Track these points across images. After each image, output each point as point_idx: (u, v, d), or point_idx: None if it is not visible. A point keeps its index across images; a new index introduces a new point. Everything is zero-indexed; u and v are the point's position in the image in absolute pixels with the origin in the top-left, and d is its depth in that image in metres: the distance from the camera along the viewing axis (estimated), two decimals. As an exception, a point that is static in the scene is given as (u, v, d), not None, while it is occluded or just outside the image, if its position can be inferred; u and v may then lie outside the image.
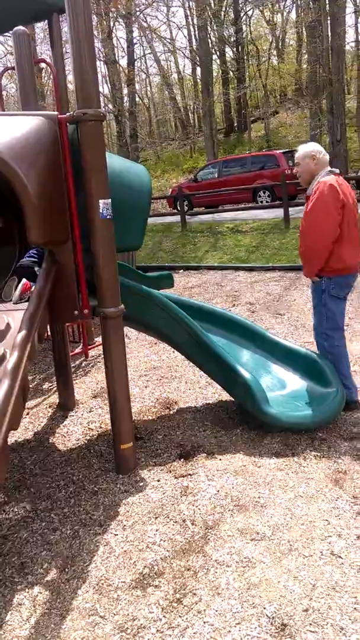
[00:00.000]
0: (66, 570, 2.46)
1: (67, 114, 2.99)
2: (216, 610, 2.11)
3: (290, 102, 28.47)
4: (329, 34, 16.82)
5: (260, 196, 15.56)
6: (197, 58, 24.94)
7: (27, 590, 2.36)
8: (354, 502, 2.71)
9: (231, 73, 28.59)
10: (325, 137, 19.88)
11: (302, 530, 2.53)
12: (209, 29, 24.39)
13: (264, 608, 2.09)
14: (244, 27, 28.41)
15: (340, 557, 2.33)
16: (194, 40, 28.49)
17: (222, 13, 26.38)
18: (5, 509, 3.02)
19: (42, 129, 2.90)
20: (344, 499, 2.75)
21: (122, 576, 2.37)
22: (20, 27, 3.95)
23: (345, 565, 2.28)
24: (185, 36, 42.91)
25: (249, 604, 2.12)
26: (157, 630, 2.05)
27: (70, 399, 4.39)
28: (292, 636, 1.96)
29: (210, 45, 24.93)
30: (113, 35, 24.09)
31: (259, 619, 2.04)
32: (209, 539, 2.53)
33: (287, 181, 12.21)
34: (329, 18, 16.84)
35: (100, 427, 3.96)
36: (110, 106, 24.81)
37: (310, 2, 18.28)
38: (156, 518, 2.74)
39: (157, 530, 2.64)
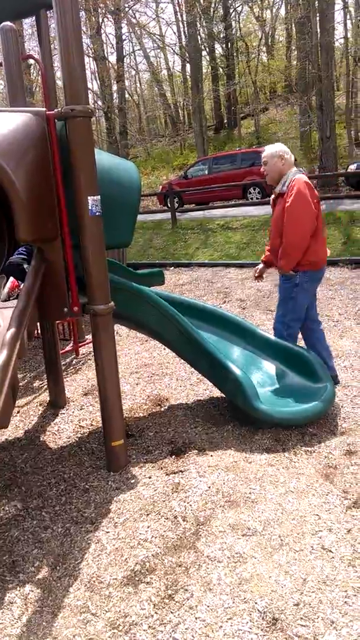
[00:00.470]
0: (58, 568, 2.46)
1: (56, 110, 2.97)
2: (208, 606, 2.12)
3: (280, 99, 28.53)
4: (318, 30, 16.84)
5: (250, 193, 15.58)
6: (187, 54, 24.90)
7: (18, 588, 2.36)
8: (345, 497, 2.73)
9: (221, 69, 28.57)
10: (314, 134, 19.94)
11: (293, 525, 2.54)
12: (199, 25, 24.35)
13: (255, 603, 2.10)
14: (233, 23, 28.41)
15: (330, 551, 2.35)
16: (183, 36, 28.47)
17: (212, 9, 26.33)
18: (-4, 508, 3.01)
19: (30, 126, 2.88)
20: (334, 493, 2.77)
21: (114, 573, 2.37)
22: (8, 23, 3.92)
23: (336, 559, 2.30)
24: (174, 32, 42.88)
25: (241, 599, 2.13)
26: (149, 627, 2.06)
27: (61, 397, 4.38)
28: (284, 630, 1.97)
29: (199, 41, 24.89)
30: (102, 31, 23.99)
31: (250, 614, 2.05)
32: (200, 535, 2.53)
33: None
34: (318, 14, 16.86)
35: (91, 425, 3.95)
36: (100, 103, 24.74)
37: (299, -1, 18.30)
38: (147, 515, 2.74)
39: (148, 527, 2.64)
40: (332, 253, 9.55)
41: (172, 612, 2.11)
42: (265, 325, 5.91)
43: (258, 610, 2.07)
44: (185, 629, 2.02)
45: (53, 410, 4.30)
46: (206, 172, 17.17)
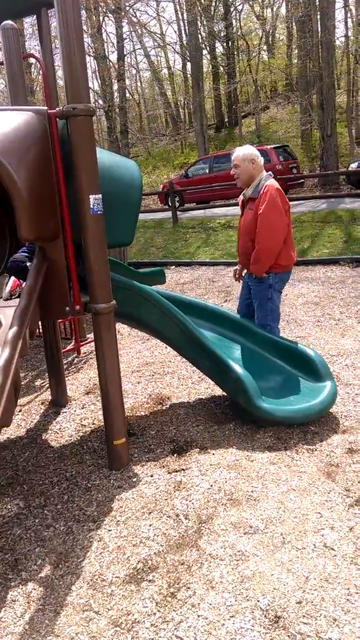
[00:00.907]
0: (60, 566, 2.46)
1: (57, 109, 2.97)
2: (210, 604, 2.12)
3: (280, 97, 28.45)
4: (319, 28, 16.83)
5: (251, 192, 15.54)
6: (187, 53, 24.87)
7: (20, 586, 2.36)
8: (347, 495, 2.73)
9: (221, 68, 28.52)
10: (315, 132, 19.91)
11: (295, 523, 2.54)
12: (199, 24, 24.32)
13: (258, 601, 2.10)
14: (234, 22, 28.35)
15: (332, 549, 2.35)
16: (184, 35, 28.42)
17: (212, 8, 26.29)
18: (-2, 506, 3.01)
19: (31, 124, 2.88)
20: (336, 491, 2.77)
21: (116, 571, 2.37)
22: (9, 22, 3.92)
23: (338, 557, 2.30)
24: (175, 31, 42.85)
25: (243, 597, 2.13)
26: (152, 625, 2.06)
27: (63, 396, 4.38)
28: (286, 628, 1.97)
29: (200, 40, 24.85)
30: (103, 30, 23.97)
31: (252, 612, 2.05)
32: (202, 533, 2.54)
33: (279, 176, 12.21)
34: (318, 13, 16.84)
35: (93, 424, 3.96)
36: (100, 102, 24.71)
37: (300, -3, 18.26)
38: (150, 513, 2.74)
39: (150, 525, 2.64)
40: (333, 252, 9.57)
41: (174, 610, 2.11)
42: (266, 324, 5.91)
43: (260, 608, 2.07)
44: (188, 626, 2.03)
45: (55, 409, 4.30)
46: (207, 171, 17.16)
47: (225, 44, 28.23)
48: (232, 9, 27.75)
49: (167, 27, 41.57)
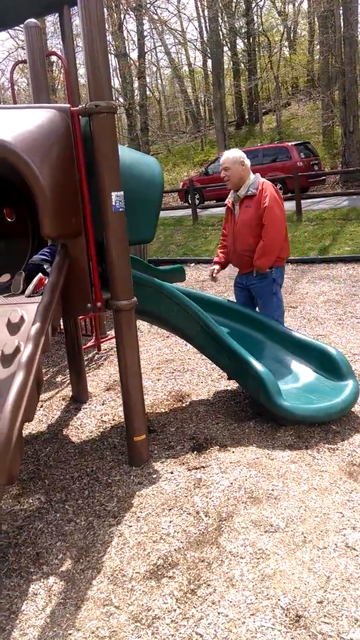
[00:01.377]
0: (81, 560, 2.48)
1: (80, 106, 2.98)
2: (230, 602, 2.12)
3: (302, 94, 28.23)
4: (342, 23, 16.62)
5: (272, 189, 15.44)
6: (208, 50, 24.78)
7: (42, 580, 2.39)
8: (369, 495, 2.70)
9: (242, 65, 28.38)
10: (337, 129, 19.69)
11: (316, 523, 2.52)
12: (220, 20, 24.21)
13: (279, 599, 2.09)
14: (255, 18, 28.17)
15: (354, 549, 2.33)
16: (205, 32, 28.32)
17: (233, 4, 26.15)
18: (20, 500, 3.05)
19: (54, 122, 2.90)
20: (358, 491, 2.74)
21: (137, 567, 2.38)
22: (32, 20, 3.94)
23: (360, 557, 2.28)
24: (196, 28, 42.72)
25: (263, 596, 2.12)
26: (172, 621, 2.06)
27: (84, 392, 4.41)
28: (307, 627, 1.96)
29: (221, 37, 24.74)
30: (124, 27, 24.01)
31: (273, 610, 2.05)
32: (222, 530, 2.53)
33: (300, 173, 12.12)
34: (341, 8, 16.63)
35: (113, 420, 3.98)
36: (121, 99, 24.75)
37: (323, -8, 18.06)
38: (170, 510, 2.75)
39: (170, 522, 2.65)
40: (355, 249, 9.46)
41: (194, 607, 2.11)
42: (286, 322, 5.86)
43: (281, 607, 2.06)
44: (208, 624, 2.03)
45: (75, 404, 4.33)
46: (227, 168, 17.06)
47: (246, 41, 28.07)
48: (253, 5, 27.58)
49: (188, 24, 41.51)
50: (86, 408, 4.25)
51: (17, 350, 2.45)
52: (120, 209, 3.01)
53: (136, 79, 25.37)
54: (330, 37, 17.87)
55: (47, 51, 6.15)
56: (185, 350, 5.31)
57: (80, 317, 5.00)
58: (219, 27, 24.14)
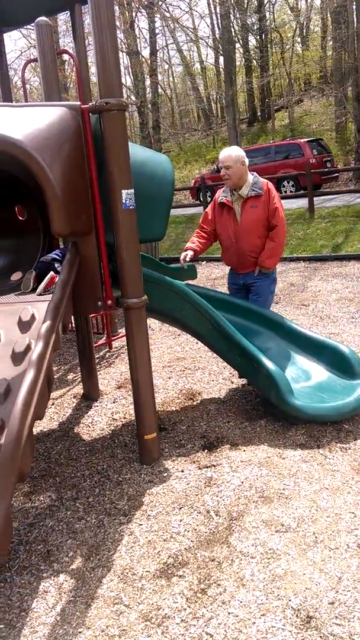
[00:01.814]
0: (91, 558, 2.48)
1: (90, 103, 2.98)
2: (241, 601, 2.10)
3: (314, 90, 28.01)
4: (355, 19, 16.45)
5: (284, 186, 15.38)
6: (220, 47, 24.67)
7: (52, 577, 2.39)
8: (381, 495, 2.67)
9: (254, 62, 28.23)
10: (350, 125, 19.52)
11: (327, 523, 2.50)
12: (232, 17, 24.07)
13: (289, 600, 2.08)
14: (267, 14, 28.00)
15: (366, 550, 2.30)
16: (216, 29, 28.21)
17: (246, 1, 26.01)
18: (31, 498, 3.06)
19: (65, 120, 2.89)
20: (370, 491, 2.71)
21: (147, 565, 2.38)
22: (43, 18, 3.94)
23: (372, 558, 2.25)
24: (208, 25, 42.58)
25: (274, 596, 2.11)
26: (182, 620, 2.06)
27: (95, 390, 4.42)
28: (318, 629, 1.94)
29: (233, 33, 24.60)
30: (135, 25, 23.99)
31: (284, 611, 2.03)
32: (233, 530, 2.52)
33: (312, 170, 12.03)
34: (354, 3, 16.45)
35: (124, 418, 3.98)
36: (133, 97, 24.74)
37: (336, -13, 17.89)
38: (180, 508, 2.74)
39: (181, 521, 2.64)
40: (368, 247, 9.36)
41: (204, 607, 2.10)
42: (298, 320, 5.84)
43: (292, 607, 2.04)
44: (218, 623, 2.02)
45: (87, 402, 4.34)
46: (239, 165, 17.01)
47: (258, 37, 27.91)
48: (265, 1, 27.41)
49: (200, 21, 41.11)
50: (97, 406, 4.25)
51: (28, 348, 2.46)
52: (131, 207, 3.00)
53: (148, 76, 25.34)
54: (343, 32, 17.72)
55: (58, 49, 6.15)
56: (196, 348, 5.30)
57: (92, 315, 5.00)
58: (231, 24, 24.00)
